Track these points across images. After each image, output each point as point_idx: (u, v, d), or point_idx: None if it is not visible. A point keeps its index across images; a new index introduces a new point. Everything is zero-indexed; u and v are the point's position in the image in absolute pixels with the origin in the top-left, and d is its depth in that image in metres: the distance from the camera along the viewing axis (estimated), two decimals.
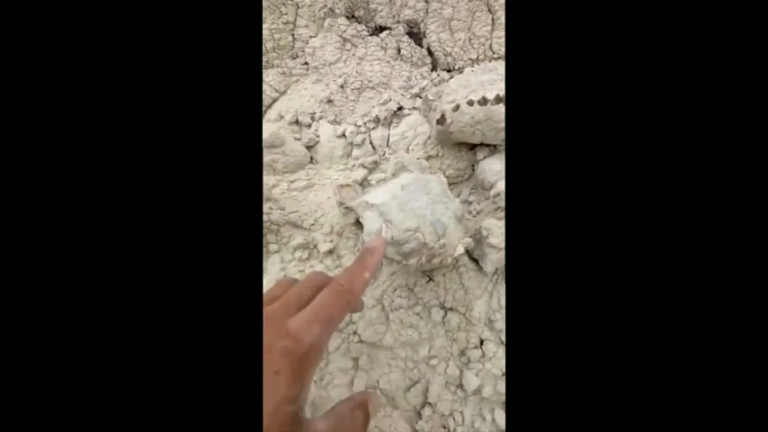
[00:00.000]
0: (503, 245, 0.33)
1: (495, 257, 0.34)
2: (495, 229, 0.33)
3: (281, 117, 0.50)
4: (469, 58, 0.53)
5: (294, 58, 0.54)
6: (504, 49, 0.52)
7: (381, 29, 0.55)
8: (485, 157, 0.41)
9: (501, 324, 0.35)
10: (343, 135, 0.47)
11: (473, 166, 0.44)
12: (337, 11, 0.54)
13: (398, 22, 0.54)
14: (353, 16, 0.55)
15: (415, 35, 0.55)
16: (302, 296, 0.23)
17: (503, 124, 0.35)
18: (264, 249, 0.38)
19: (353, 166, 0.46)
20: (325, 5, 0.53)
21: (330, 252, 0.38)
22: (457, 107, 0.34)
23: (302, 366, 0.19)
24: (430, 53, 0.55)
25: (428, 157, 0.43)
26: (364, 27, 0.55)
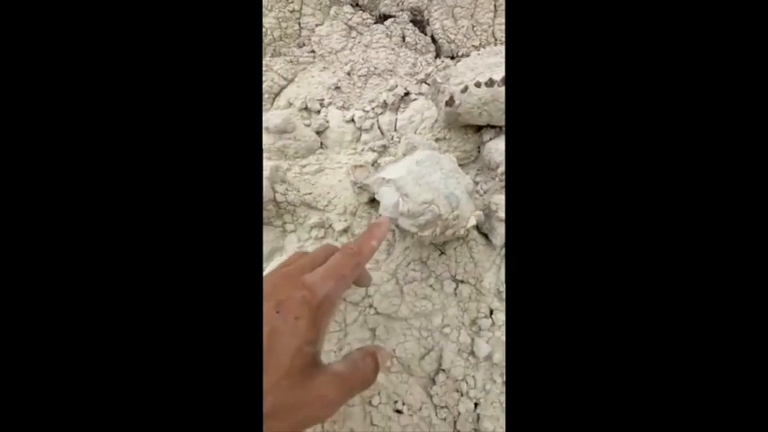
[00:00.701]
0: None
1: (503, 230, 0.36)
2: (503, 203, 0.36)
3: (291, 104, 0.52)
4: (473, 45, 0.55)
5: (301, 47, 0.56)
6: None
7: (386, 17, 0.56)
8: (491, 139, 0.43)
9: None
10: (352, 120, 0.49)
11: (479, 147, 0.46)
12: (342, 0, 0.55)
13: (402, 10, 0.56)
14: (358, 5, 0.57)
15: (419, 23, 0.57)
16: (315, 261, 0.25)
17: None
18: (281, 229, 0.40)
19: (363, 150, 0.48)
20: None
21: (345, 231, 0.40)
22: (465, 88, 0.36)
23: (319, 314, 0.22)
24: (434, 40, 0.57)
25: (435, 140, 0.45)
26: (369, 15, 0.56)
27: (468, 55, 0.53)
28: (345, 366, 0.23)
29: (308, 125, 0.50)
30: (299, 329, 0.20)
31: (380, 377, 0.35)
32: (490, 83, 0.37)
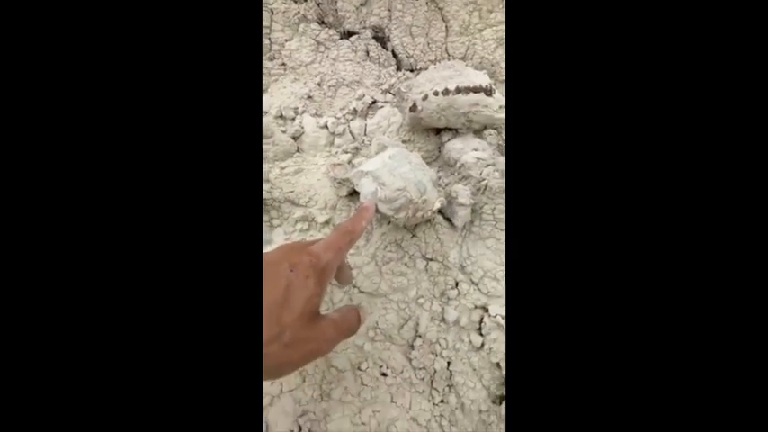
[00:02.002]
0: (469, 203, 0.44)
1: (463, 213, 0.44)
2: (462, 191, 0.44)
3: (266, 113, 0.57)
4: (429, 60, 0.64)
5: (272, 60, 0.62)
6: (458, 52, 0.63)
7: (350, 33, 0.64)
8: (449, 140, 0.52)
9: (471, 268, 0.45)
10: (326, 126, 0.56)
11: (439, 148, 0.55)
12: (309, 17, 0.63)
13: (365, 27, 0.64)
14: (324, 22, 0.65)
15: (381, 39, 0.65)
16: (313, 241, 0.32)
17: (463, 110, 0.46)
18: (269, 224, 0.46)
19: (336, 152, 0.55)
20: (299, 12, 0.62)
21: (326, 222, 0.46)
22: (425, 97, 0.45)
23: (323, 275, 0.28)
24: (394, 55, 0.65)
25: (402, 142, 0.53)
26: (335, 32, 0.64)
27: (425, 68, 0.62)
28: (339, 315, 0.30)
29: (284, 131, 0.56)
30: (309, 284, 0.27)
31: (367, 346, 0.41)
32: (446, 92, 0.45)
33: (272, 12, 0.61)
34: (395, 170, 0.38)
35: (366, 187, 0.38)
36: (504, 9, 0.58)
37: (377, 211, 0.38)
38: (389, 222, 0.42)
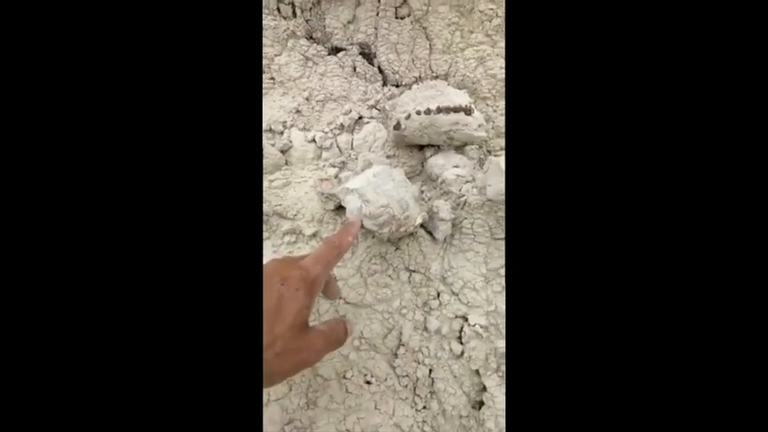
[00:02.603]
0: (449, 218, 0.47)
1: (444, 228, 0.47)
2: (443, 206, 0.47)
3: None
4: (413, 76, 0.67)
5: (262, 74, 0.64)
6: (441, 69, 0.66)
7: (338, 49, 0.67)
8: (431, 155, 0.55)
9: (451, 279, 0.48)
10: (313, 140, 0.58)
11: (422, 163, 0.58)
12: (298, 33, 0.65)
13: (352, 44, 0.67)
14: (312, 38, 0.67)
15: (367, 55, 0.68)
16: (301, 256, 0.34)
17: (444, 128, 0.49)
18: None
19: (324, 166, 0.57)
20: (288, 28, 0.64)
21: (313, 235, 0.49)
22: (408, 116, 0.47)
23: (312, 288, 0.31)
24: (380, 71, 0.68)
25: (387, 157, 0.56)
26: (323, 47, 0.66)
27: (411, 84, 0.65)
28: (327, 327, 0.32)
29: (273, 144, 0.58)
30: (300, 297, 0.29)
31: (352, 355, 0.44)
32: (428, 111, 0.48)
33: (262, 27, 0.63)
34: (379, 188, 0.41)
35: (352, 203, 0.40)
36: (483, 31, 0.61)
37: (362, 226, 0.40)
38: (374, 236, 0.45)
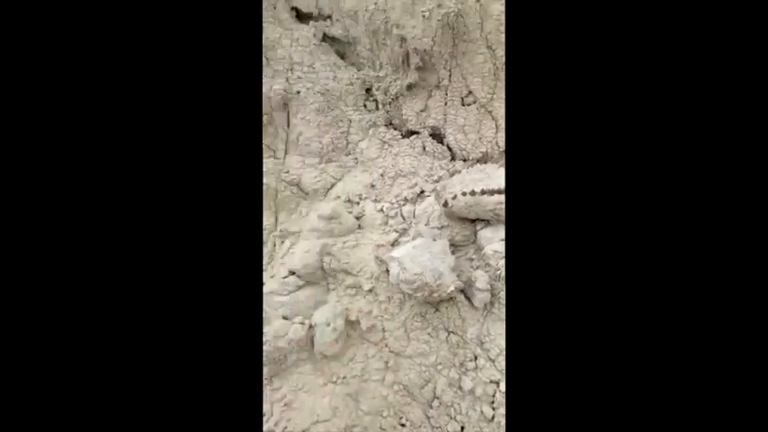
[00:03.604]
0: (486, 288, 0.53)
1: (481, 296, 0.54)
2: (481, 276, 0.54)
3: (338, 197, 0.76)
4: (480, 152, 0.77)
5: (347, 155, 0.82)
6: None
7: (412, 132, 0.81)
8: (482, 228, 0.62)
9: (489, 345, 0.53)
10: (382, 210, 0.71)
11: (475, 233, 0.66)
12: (378, 123, 0.82)
13: (424, 127, 0.81)
14: (391, 123, 0.83)
15: (437, 136, 0.81)
16: None
17: (490, 207, 0.57)
18: (326, 288, 0.61)
19: (389, 231, 0.69)
20: (370, 120, 0.82)
21: (370, 290, 0.60)
22: (455, 196, 0.57)
23: None
24: (449, 148, 0.80)
25: (441, 227, 0.65)
26: (398, 132, 0.82)
27: (476, 160, 0.75)
28: None
29: (351, 212, 0.73)
30: None
31: (390, 396, 0.52)
32: (473, 193, 0.57)
33: (350, 121, 0.82)
34: (415, 258, 0.51)
35: (393, 270, 0.51)
36: None
37: (400, 289, 0.50)
38: (413, 296, 0.54)
